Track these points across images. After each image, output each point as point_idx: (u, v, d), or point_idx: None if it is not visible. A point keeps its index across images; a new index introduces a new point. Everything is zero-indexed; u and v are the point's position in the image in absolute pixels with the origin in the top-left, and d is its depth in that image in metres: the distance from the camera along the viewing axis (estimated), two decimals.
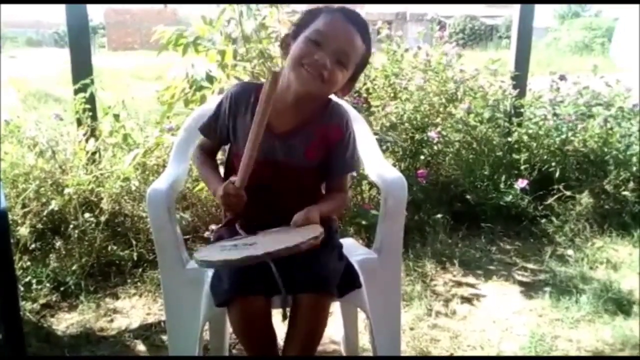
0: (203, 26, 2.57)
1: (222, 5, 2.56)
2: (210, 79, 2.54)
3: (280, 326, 1.26)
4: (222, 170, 1.53)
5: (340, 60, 1.28)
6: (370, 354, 1.51)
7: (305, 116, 1.36)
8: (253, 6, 2.56)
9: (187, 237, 2.57)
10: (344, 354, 1.83)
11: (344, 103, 1.56)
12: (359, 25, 1.31)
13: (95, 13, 22.27)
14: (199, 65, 2.60)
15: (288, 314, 1.26)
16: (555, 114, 3.24)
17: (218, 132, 1.43)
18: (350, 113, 1.76)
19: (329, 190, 1.44)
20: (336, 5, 1.32)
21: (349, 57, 1.29)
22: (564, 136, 3.14)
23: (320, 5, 1.33)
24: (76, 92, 2.61)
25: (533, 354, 1.89)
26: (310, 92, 1.31)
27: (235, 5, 2.52)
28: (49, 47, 19.10)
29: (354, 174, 2.46)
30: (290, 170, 1.37)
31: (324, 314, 1.26)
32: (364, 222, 2.60)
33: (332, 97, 1.43)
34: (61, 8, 2.60)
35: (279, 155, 1.35)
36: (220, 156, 1.64)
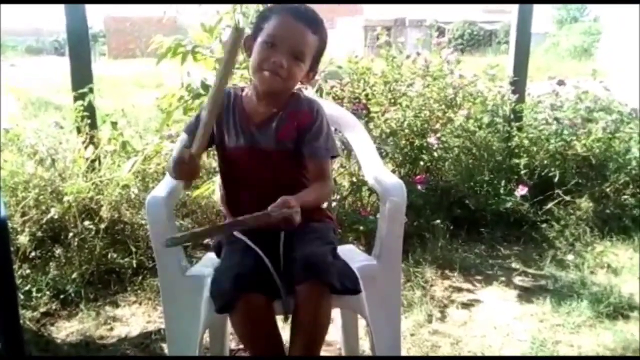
0: (202, 34, 2.58)
1: (220, 11, 2.57)
2: (205, 87, 2.55)
3: (284, 331, 1.26)
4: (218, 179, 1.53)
5: (296, 56, 1.37)
6: None
7: (278, 105, 1.45)
8: (250, 13, 2.57)
9: (187, 244, 2.57)
10: None
11: (315, 99, 1.58)
12: (308, 20, 1.39)
13: (96, 21, 22.31)
14: (196, 73, 2.61)
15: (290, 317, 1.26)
16: (555, 119, 3.24)
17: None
18: (349, 119, 1.77)
19: (311, 179, 1.46)
20: (287, 6, 1.42)
21: (304, 53, 1.39)
22: (564, 141, 3.14)
23: (272, 6, 1.45)
24: (76, 99, 2.61)
25: None
26: (273, 90, 1.41)
27: (232, 13, 2.52)
28: (49, 55, 19.15)
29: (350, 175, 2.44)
30: (268, 155, 1.43)
31: (324, 305, 1.24)
32: (363, 229, 2.59)
33: (302, 92, 1.54)
34: (61, 16, 2.60)
35: (258, 142, 1.43)
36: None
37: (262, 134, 1.43)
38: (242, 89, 1.52)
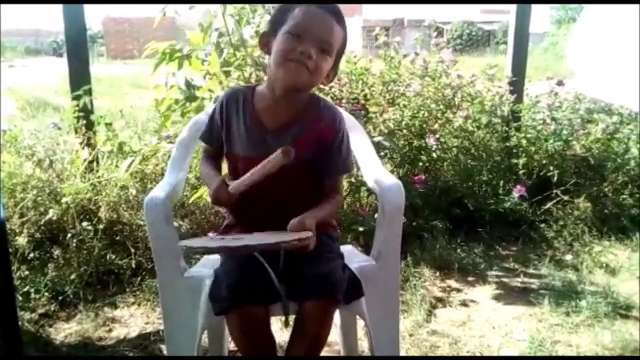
0: (199, 35, 2.57)
1: (212, 11, 2.56)
2: (189, 85, 2.53)
3: (278, 334, 1.26)
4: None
5: (323, 48, 1.30)
6: None
7: (296, 111, 1.37)
8: (245, 13, 2.56)
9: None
10: None
11: (336, 106, 1.57)
12: (334, 12, 1.33)
13: (94, 22, 22.33)
14: (181, 74, 2.59)
15: (290, 320, 1.26)
16: (553, 119, 3.25)
17: (216, 138, 1.44)
18: (348, 120, 1.76)
19: (324, 192, 1.42)
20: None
21: (331, 45, 1.32)
22: (562, 141, 3.14)
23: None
24: (74, 100, 2.61)
25: None
26: (298, 84, 1.32)
27: (223, 8, 2.51)
28: (47, 56, 19.15)
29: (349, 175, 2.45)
30: (282, 167, 1.32)
31: (330, 321, 1.26)
32: (361, 229, 2.59)
33: (321, 95, 1.47)
34: (60, 17, 2.60)
35: (271, 151, 1.31)
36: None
37: (277, 143, 1.30)
38: (253, 89, 1.42)
